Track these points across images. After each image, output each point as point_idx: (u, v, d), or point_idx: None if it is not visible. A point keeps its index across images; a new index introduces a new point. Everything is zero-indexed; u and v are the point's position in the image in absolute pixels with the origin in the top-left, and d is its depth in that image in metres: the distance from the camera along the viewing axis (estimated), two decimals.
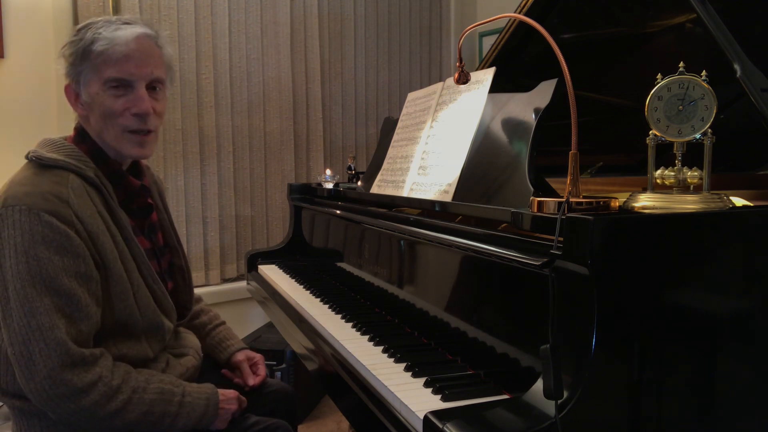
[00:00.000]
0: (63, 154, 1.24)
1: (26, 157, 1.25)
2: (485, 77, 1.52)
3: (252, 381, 1.54)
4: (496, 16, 1.26)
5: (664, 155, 1.19)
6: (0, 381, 1.26)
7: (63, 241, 1.15)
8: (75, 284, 1.16)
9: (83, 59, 1.23)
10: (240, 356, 1.60)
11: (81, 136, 1.31)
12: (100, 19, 1.27)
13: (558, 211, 0.99)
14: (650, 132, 1.08)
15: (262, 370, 1.59)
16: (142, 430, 1.23)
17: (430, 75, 4.06)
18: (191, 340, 1.53)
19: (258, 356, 1.62)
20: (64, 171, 1.22)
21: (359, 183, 2.23)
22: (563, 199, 1.00)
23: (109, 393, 1.17)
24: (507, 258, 1.08)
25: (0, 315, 1.17)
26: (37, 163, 1.22)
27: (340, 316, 1.59)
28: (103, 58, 1.22)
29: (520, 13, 1.79)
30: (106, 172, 1.29)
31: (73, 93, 1.29)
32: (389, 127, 2.03)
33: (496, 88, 1.49)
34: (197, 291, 1.64)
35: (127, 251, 1.27)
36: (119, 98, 1.25)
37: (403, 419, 1.04)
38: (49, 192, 1.17)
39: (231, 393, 1.38)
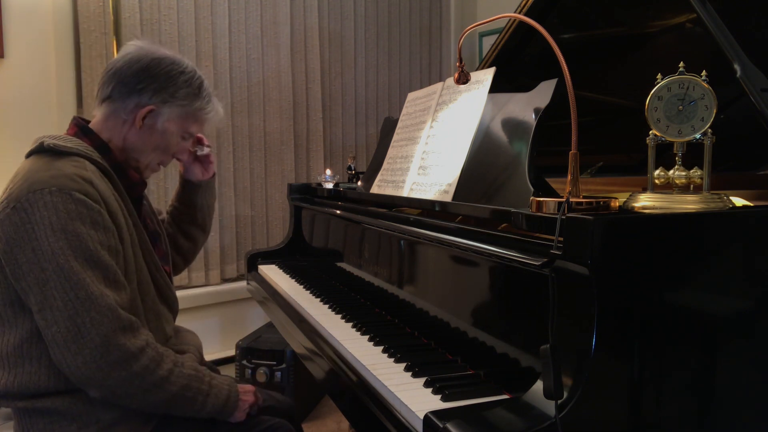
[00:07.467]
0: (73, 144, 1.28)
1: (36, 149, 1.26)
2: (485, 77, 1.52)
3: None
4: (496, 16, 1.26)
5: (664, 155, 1.19)
6: (5, 384, 1.22)
7: (96, 216, 1.19)
8: (109, 257, 1.20)
9: (185, 106, 1.37)
10: None
11: (83, 131, 1.34)
12: (200, 74, 1.40)
13: (558, 211, 0.99)
14: (650, 132, 1.08)
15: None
16: (174, 409, 1.25)
17: (430, 75, 4.06)
18: (192, 338, 1.55)
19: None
20: (80, 157, 1.25)
21: (359, 183, 2.22)
22: (563, 199, 1.00)
23: (157, 358, 1.20)
24: (507, 258, 1.08)
25: (38, 300, 1.15)
26: (51, 152, 1.24)
27: (340, 316, 1.59)
28: (201, 119, 1.42)
29: (520, 13, 1.79)
30: (110, 163, 1.33)
31: (148, 111, 1.33)
32: (389, 127, 2.03)
33: (496, 88, 1.49)
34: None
35: (135, 236, 1.31)
36: (179, 144, 1.43)
37: (403, 419, 1.04)
38: (74, 173, 1.20)
39: (248, 387, 1.40)
